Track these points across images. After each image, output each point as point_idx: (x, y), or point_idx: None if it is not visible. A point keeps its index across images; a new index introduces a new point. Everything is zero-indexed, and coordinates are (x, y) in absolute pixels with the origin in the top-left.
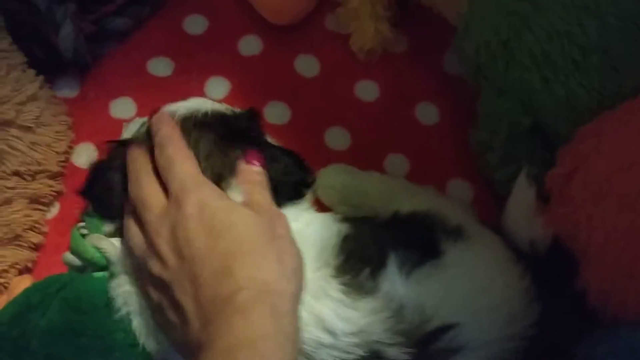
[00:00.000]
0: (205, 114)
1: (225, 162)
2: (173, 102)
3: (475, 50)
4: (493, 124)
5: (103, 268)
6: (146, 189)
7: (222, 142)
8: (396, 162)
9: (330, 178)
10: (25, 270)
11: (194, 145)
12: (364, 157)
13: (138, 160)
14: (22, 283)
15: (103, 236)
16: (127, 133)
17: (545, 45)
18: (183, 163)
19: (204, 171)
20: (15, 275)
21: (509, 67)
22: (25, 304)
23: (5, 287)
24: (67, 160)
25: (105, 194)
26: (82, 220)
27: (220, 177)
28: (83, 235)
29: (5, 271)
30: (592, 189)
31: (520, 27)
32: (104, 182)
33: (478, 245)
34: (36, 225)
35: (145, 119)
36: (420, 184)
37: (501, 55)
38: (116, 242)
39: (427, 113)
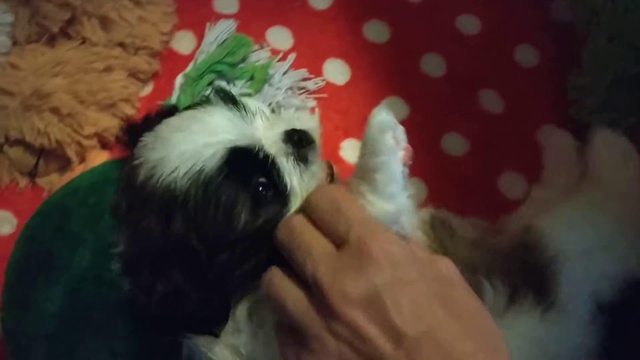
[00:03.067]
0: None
1: None
2: None
3: None
4: (598, 70)
5: None
6: (305, 235)
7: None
8: (490, 98)
9: None
10: (108, 143)
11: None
12: (458, 86)
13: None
14: (100, 157)
15: None
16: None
17: None
18: (351, 204)
19: None
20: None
21: (628, 11)
22: (103, 175)
23: (91, 149)
24: (167, 42)
25: None
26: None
27: None
28: None
29: (97, 135)
30: None
31: None
32: None
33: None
34: (131, 98)
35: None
36: (512, 125)
37: None
38: None
39: (526, 55)
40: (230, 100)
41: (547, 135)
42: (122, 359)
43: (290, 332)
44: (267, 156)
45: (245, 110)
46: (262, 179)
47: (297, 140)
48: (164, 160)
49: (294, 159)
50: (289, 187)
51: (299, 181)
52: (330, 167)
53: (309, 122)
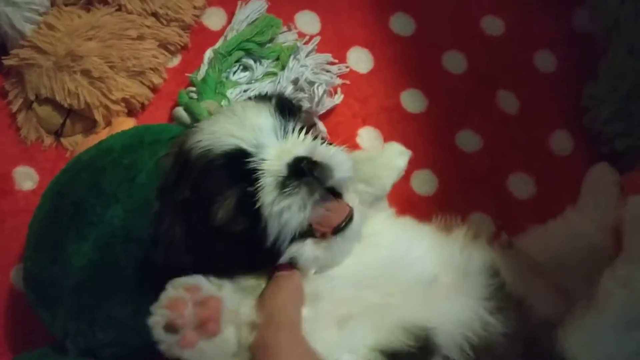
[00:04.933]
0: None
1: None
2: None
3: (619, 3)
4: (614, 80)
5: None
6: None
7: None
8: (507, 98)
9: None
10: (134, 110)
11: None
12: (477, 84)
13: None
14: (125, 123)
15: (217, 103)
16: None
17: None
18: None
19: None
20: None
21: None
22: (137, 138)
23: (118, 115)
24: (199, 17)
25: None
26: (194, 84)
27: None
28: (191, 98)
29: (125, 100)
30: None
31: None
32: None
33: None
34: (159, 68)
35: None
36: (525, 127)
37: None
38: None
39: (545, 61)
40: (287, 110)
41: (593, 168)
42: (147, 314)
43: None
44: (256, 169)
45: (289, 124)
46: (249, 188)
47: (303, 169)
48: (201, 131)
49: (281, 183)
50: (261, 204)
51: (272, 204)
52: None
53: (343, 163)
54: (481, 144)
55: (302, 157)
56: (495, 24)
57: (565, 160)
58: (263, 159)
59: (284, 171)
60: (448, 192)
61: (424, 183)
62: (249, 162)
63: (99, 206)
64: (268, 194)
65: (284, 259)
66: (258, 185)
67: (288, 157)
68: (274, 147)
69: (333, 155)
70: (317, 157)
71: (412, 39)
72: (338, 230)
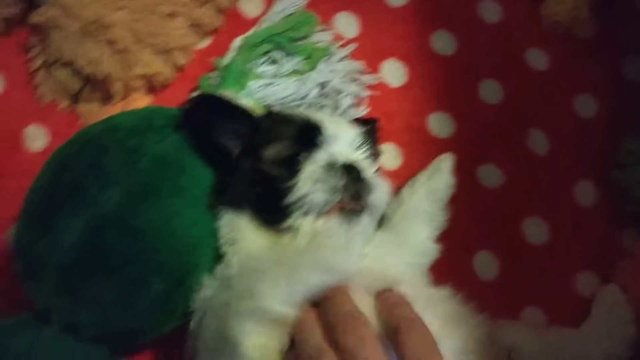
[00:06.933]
0: None
1: None
2: None
3: None
4: None
5: None
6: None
7: None
8: (538, 138)
9: None
10: (153, 88)
11: None
12: (509, 119)
13: (313, 334)
14: (142, 100)
15: (235, 93)
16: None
17: None
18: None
19: None
20: (146, 88)
21: None
22: (146, 120)
23: (136, 90)
24: (235, 1)
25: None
26: (217, 69)
27: None
28: (212, 85)
29: (145, 77)
30: None
31: None
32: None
33: None
34: (187, 48)
35: None
36: (551, 171)
37: None
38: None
39: (585, 105)
40: (370, 138)
41: (605, 290)
42: (129, 305)
43: None
44: (319, 147)
45: (364, 145)
46: (305, 152)
47: (352, 172)
48: None
49: (330, 166)
50: (304, 169)
51: (312, 173)
52: None
53: (384, 193)
54: (502, 180)
55: (358, 167)
56: (541, 58)
57: (586, 212)
58: (330, 144)
59: (338, 162)
60: (459, 225)
61: None
62: (319, 139)
63: (97, 186)
64: (314, 165)
65: (287, 222)
66: (312, 156)
67: (347, 159)
68: (343, 147)
69: (380, 183)
70: (366, 176)
71: (451, 60)
72: (345, 214)
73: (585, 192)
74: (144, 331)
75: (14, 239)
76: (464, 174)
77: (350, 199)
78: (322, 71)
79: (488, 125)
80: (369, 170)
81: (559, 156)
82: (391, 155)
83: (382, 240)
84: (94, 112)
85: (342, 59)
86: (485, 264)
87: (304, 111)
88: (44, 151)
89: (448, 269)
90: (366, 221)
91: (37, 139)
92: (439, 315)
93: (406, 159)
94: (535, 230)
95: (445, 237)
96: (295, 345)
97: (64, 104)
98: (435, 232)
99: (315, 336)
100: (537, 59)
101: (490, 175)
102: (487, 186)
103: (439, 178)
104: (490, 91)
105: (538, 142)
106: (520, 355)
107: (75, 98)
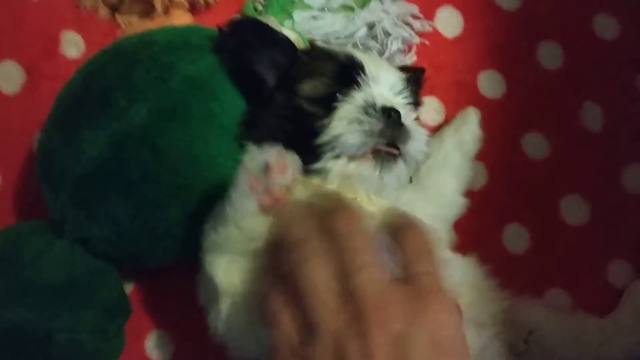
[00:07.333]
0: None
1: None
2: None
3: None
4: None
5: None
6: (317, 287)
7: None
8: (592, 113)
9: None
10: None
11: None
12: (565, 88)
13: (305, 233)
14: (183, 18)
15: (278, 21)
16: None
17: None
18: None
19: None
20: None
21: None
22: (184, 37)
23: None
24: None
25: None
26: None
27: None
28: (256, 10)
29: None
30: None
31: None
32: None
33: None
34: None
35: None
36: (602, 150)
37: None
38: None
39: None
40: (414, 87)
41: (635, 283)
42: (143, 226)
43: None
44: (359, 86)
45: (406, 91)
46: (344, 90)
47: (392, 116)
48: None
49: (368, 108)
50: (340, 108)
51: (349, 112)
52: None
53: (422, 142)
54: (547, 153)
55: (398, 111)
56: (610, 27)
57: (631, 199)
58: (370, 85)
59: (377, 104)
60: (492, 193)
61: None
62: (360, 79)
63: (125, 99)
64: (352, 105)
65: (318, 164)
66: (351, 95)
67: (387, 102)
68: (384, 90)
69: (419, 131)
70: (406, 122)
71: (513, 15)
72: (379, 158)
73: (634, 177)
74: (155, 256)
75: (38, 143)
76: (506, 140)
77: (386, 144)
78: (374, 10)
79: (541, 92)
80: (409, 117)
81: (612, 135)
82: (433, 110)
83: (408, 190)
84: (132, 24)
85: (396, 0)
86: (515, 237)
87: (347, 50)
88: (78, 60)
89: (476, 236)
90: (401, 169)
91: (72, 46)
92: (457, 282)
93: (448, 115)
94: (573, 210)
95: (477, 203)
96: (280, 239)
97: (103, 11)
98: (463, 185)
99: (302, 226)
100: (606, 26)
101: (535, 145)
102: (529, 156)
103: (466, 130)
104: (550, 55)
105: (592, 117)
106: (540, 337)
107: (116, 7)
